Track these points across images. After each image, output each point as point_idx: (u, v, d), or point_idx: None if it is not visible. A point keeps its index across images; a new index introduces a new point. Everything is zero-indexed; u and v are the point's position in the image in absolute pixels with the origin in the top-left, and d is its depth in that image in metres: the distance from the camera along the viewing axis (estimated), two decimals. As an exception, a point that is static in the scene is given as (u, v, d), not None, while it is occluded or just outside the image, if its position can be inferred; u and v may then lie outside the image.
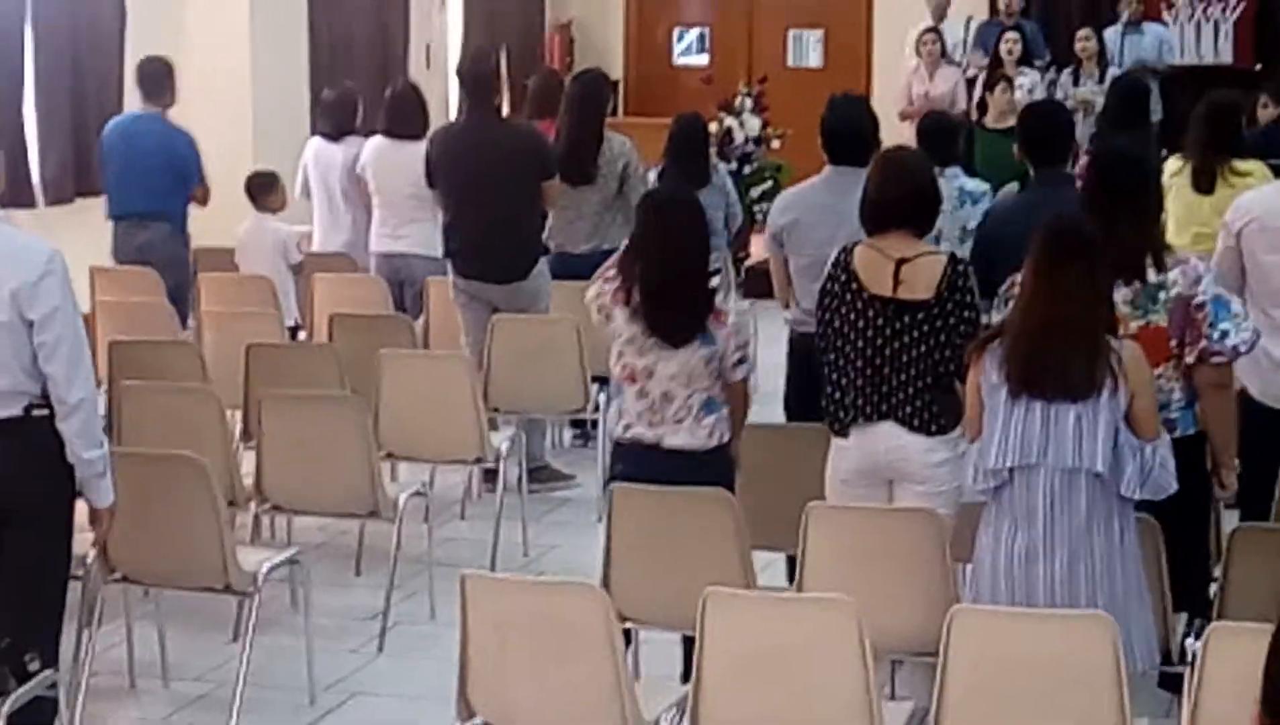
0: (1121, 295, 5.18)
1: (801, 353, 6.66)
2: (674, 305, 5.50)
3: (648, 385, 5.53)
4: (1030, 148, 6.66)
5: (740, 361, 5.59)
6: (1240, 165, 7.61)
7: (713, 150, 11.69)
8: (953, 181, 7.94)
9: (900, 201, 5.49)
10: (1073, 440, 4.66)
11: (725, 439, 5.60)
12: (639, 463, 5.55)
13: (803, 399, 6.60)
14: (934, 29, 13.87)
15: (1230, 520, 5.77)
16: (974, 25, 14.66)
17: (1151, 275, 5.30)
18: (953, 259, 5.51)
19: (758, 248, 11.84)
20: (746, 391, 5.78)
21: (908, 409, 5.39)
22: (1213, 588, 5.26)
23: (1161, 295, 5.29)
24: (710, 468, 5.50)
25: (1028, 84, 12.79)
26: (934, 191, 5.65)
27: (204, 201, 9.44)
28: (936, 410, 5.32)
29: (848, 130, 6.67)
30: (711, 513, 5.30)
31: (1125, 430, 4.71)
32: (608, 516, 5.38)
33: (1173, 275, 5.31)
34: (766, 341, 7.65)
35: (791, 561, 5.92)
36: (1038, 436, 4.69)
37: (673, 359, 5.49)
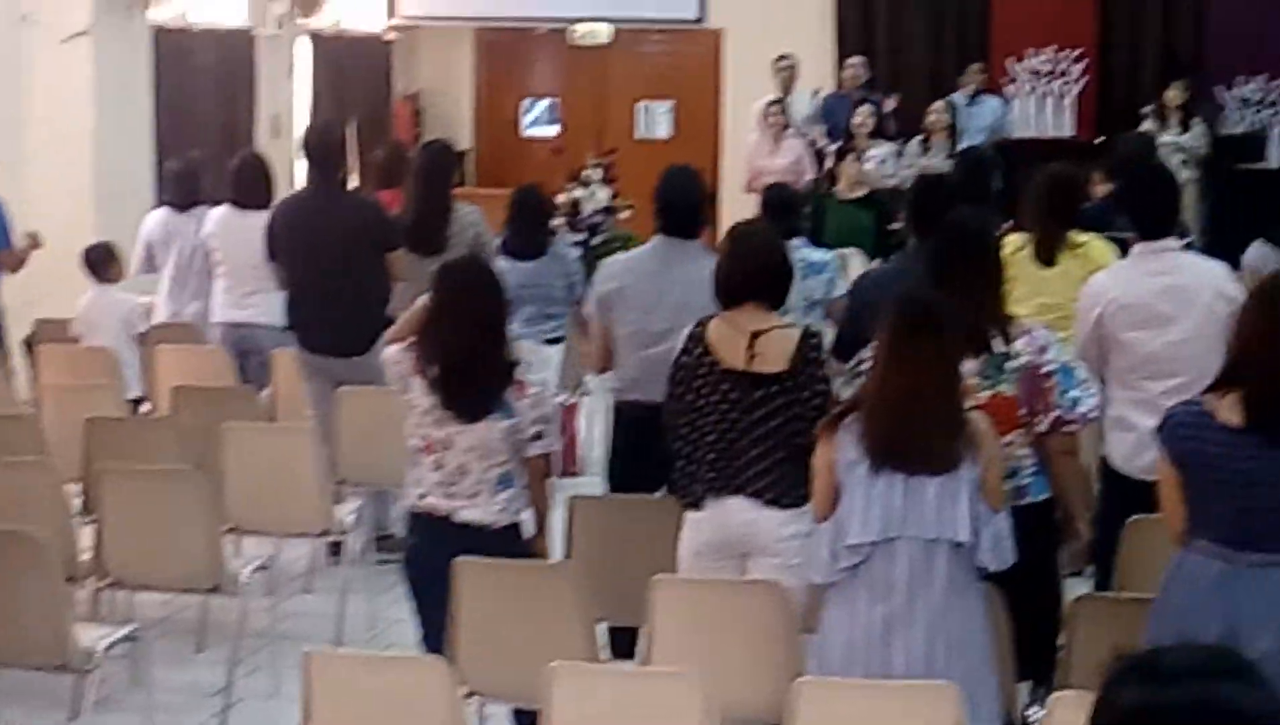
0: (969, 366, 5.23)
1: (626, 420, 6.72)
2: (471, 379, 5.45)
3: (444, 457, 5.48)
4: (914, 217, 6.77)
5: (539, 436, 5.52)
6: (1080, 238, 7.73)
7: (562, 220, 11.75)
8: (796, 253, 8.00)
9: (752, 275, 5.56)
10: (934, 512, 4.70)
11: (520, 516, 5.54)
12: (431, 535, 5.52)
13: (627, 468, 6.65)
14: (779, 101, 13.99)
15: (1077, 589, 5.87)
16: (820, 98, 14.83)
17: (998, 345, 5.37)
18: (806, 332, 5.57)
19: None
20: (547, 466, 5.71)
21: (761, 483, 5.41)
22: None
23: (1008, 365, 5.36)
24: (501, 545, 5.43)
25: (880, 155, 12.97)
26: (785, 265, 5.72)
27: (15, 268, 9.32)
28: (790, 484, 5.31)
29: (677, 202, 6.75)
30: (555, 585, 5.30)
31: (980, 500, 4.76)
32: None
33: (1018, 345, 5.39)
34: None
35: (617, 633, 5.94)
36: (899, 510, 4.71)
37: (470, 431, 5.43)
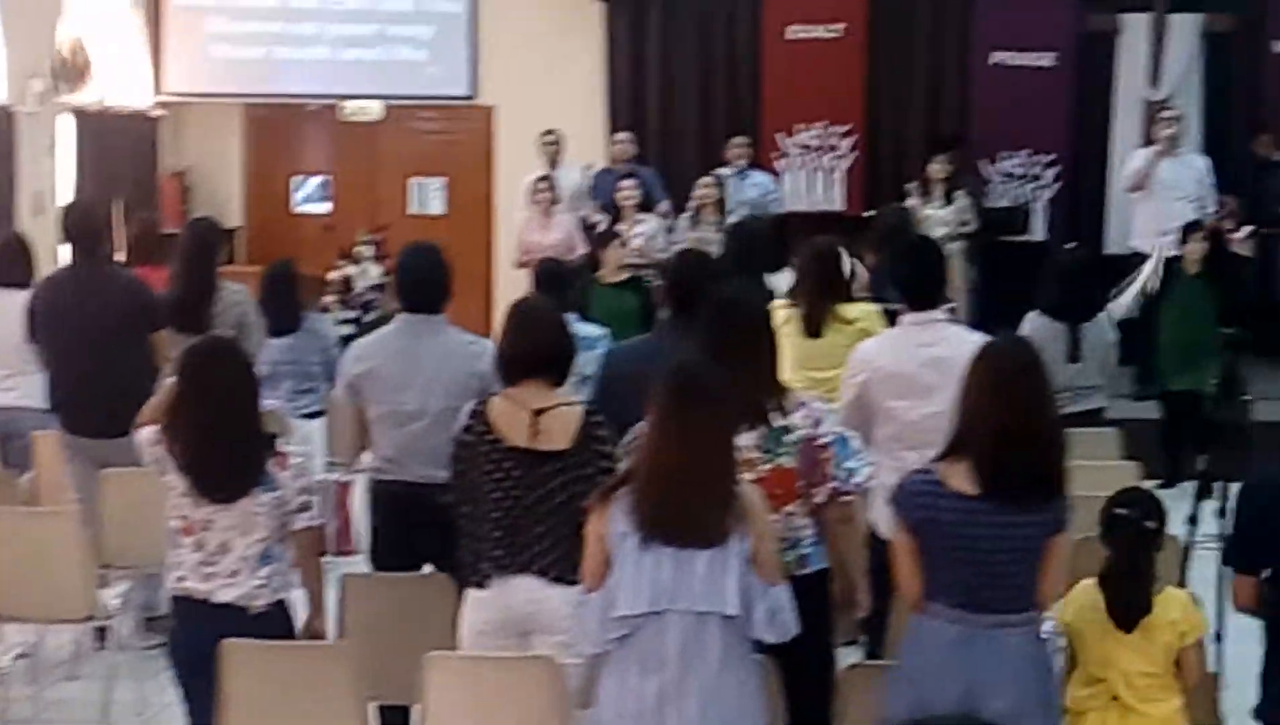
0: (747, 439, 5.30)
1: (384, 501, 6.68)
2: (223, 458, 5.38)
3: (205, 537, 5.41)
4: (672, 291, 6.83)
5: (304, 508, 5.48)
6: (847, 310, 7.85)
7: (334, 297, 11.68)
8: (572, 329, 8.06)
9: (535, 352, 5.60)
10: (704, 585, 4.71)
11: (285, 593, 5.48)
12: (192, 618, 5.45)
13: (388, 548, 6.62)
14: (547, 177, 14.04)
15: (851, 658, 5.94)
16: (590, 173, 14.92)
17: (775, 418, 5.43)
18: (588, 408, 5.62)
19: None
20: (320, 541, 5.68)
21: (548, 560, 5.45)
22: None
23: (786, 438, 5.43)
24: (263, 625, 5.37)
25: (647, 230, 13.05)
26: (568, 342, 5.76)
27: None
28: (578, 561, 5.24)
29: (419, 279, 6.78)
30: (325, 666, 5.24)
31: (752, 573, 4.78)
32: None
33: (796, 417, 5.46)
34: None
35: (390, 712, 5.89)
36: (669, 582, 4.72)
37: (230, 510, 5.36)
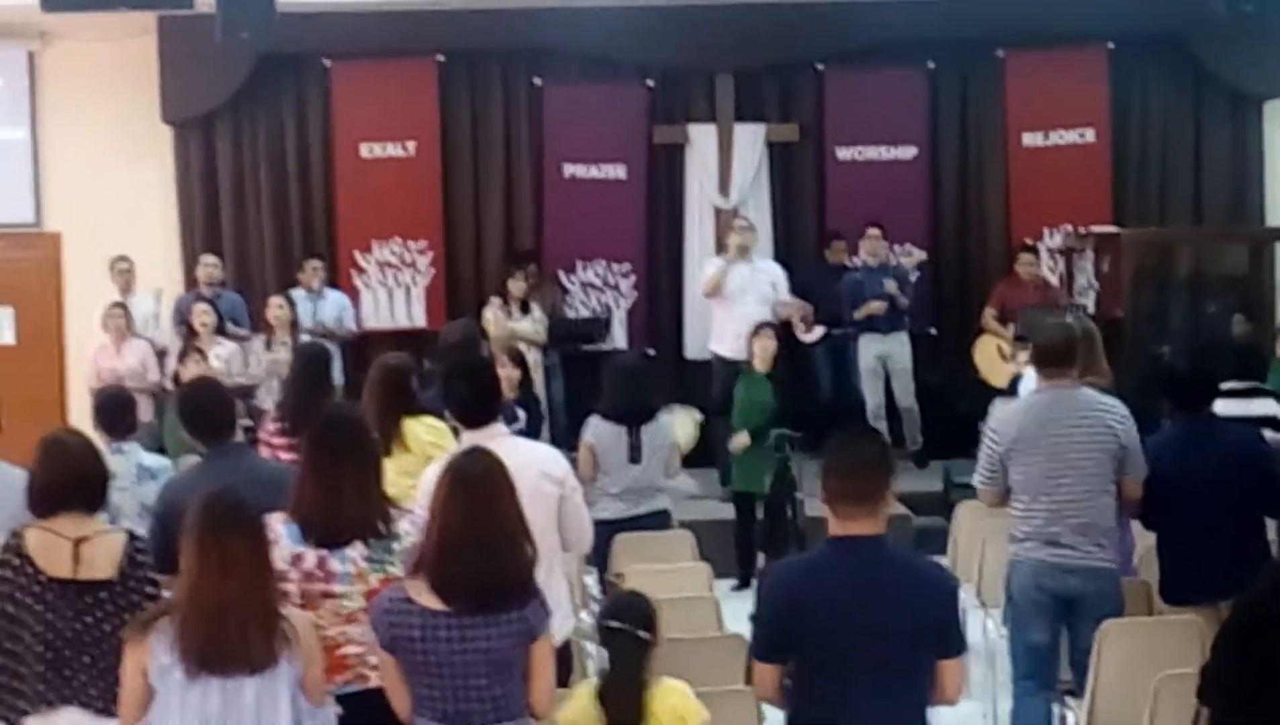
0: (354, 552, 5.34)
1: None
2: None
3: None
4: (194, 422, 6.86)
5: None
6: (416, 429, 7.88)
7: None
8: (131, 457, 7.99)
9: (68, 483, 5.53)
10: (253, 713, 4.73)
11: None
12: None
13: None
14: (121, 303, 13.89)
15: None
16: (166, 298, 14.76)
17: (381, 529, 5.46)
18: (131, 536, 5.56)
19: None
20: None
21: (94, 691, 5.36)
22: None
23: (395, 546, 5.45)
24: None
25: (224, 353, 12.98)
26: (98, 469, 5.69)
27: None
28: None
29: None
30: None
31: (301, 696, 4.82)
32: None
33: (403, 525, 5.50)
34: None
35: None
36: (216, 714, 4.72)
37: None
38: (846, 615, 4.96)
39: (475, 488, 5.08)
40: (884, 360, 14.48)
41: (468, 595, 4.92)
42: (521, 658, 4.99)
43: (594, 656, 7.98)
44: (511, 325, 14.05)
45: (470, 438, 6.73)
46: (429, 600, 4.93)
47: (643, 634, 5.35)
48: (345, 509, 5.34)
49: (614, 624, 5.34)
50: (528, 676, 5.02)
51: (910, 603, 5.02)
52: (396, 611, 4.97)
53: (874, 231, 14.75)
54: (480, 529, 4.97)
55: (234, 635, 4.74)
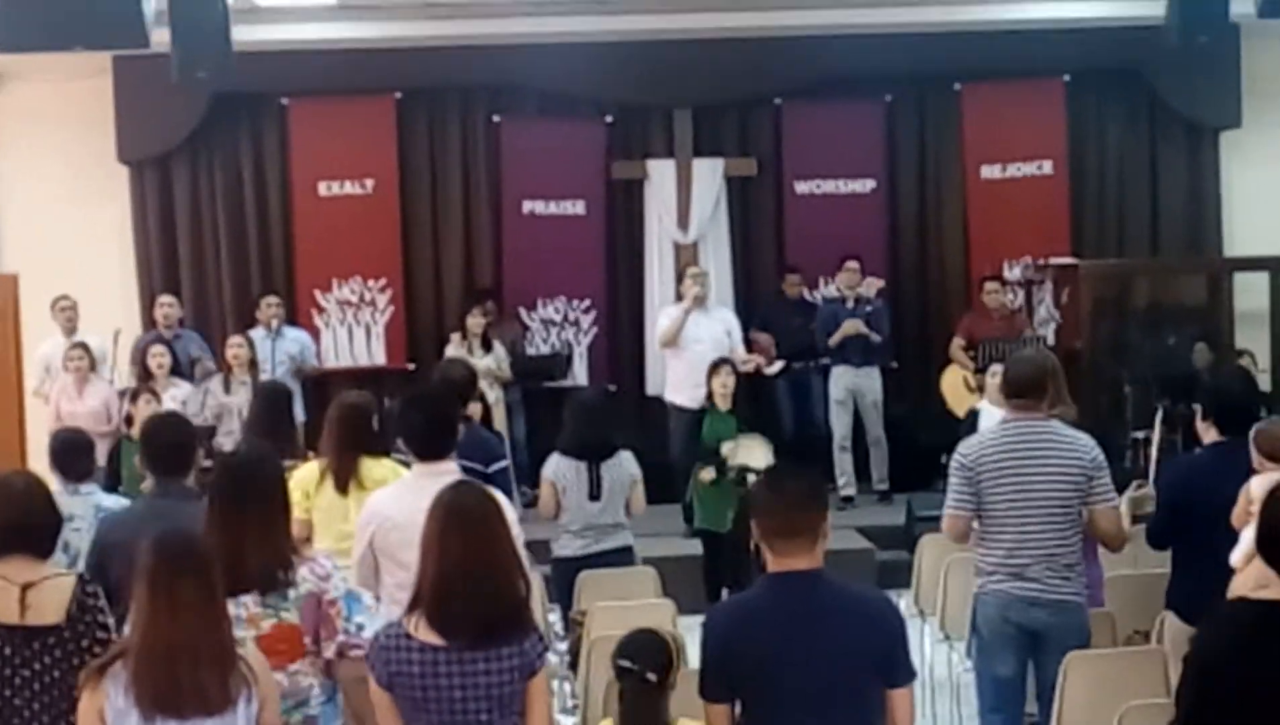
0: (250, 598, 5.31)
1: None
2: None
3: None
4: (152, 460, 6.78)
5: None
6: (373, 468, 7.84)
7: None
8: (90, 499, 7.92)
9: (9, 526, 5.47)
10: None
11: None
12: None
13: None
14: (81, 344, 13.79)
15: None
16: (122, 338, 14.68)
17: (280, 575, 5.42)
18: (81, 579, 5.51)
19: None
20: None
21: (39, 737, 5.27)
22: None
23: (291, 593, 5.42)
24: None
25: (181, 394, 12.97)
26: (48, 513, 5.64)
27: None
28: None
29: None
30: None
31: None
32: None
33: (303, 572, 5.47)
34: None
35: None
36: None
37: None
38: (785, 650, 4.94)
39: (470, 521, 5.07)
40: (855, 393, 14.60)
41: (467, 630, 4.91)
42: (519, 691, 4.98)
43: (556, 694, 7.94)
44: (473, 362, 13.98)
45: (420, 470, 6.70)
46: (427, 635, 4.92)
47: (650, 676, 5.31)
48: (247, 559, 5.29)
49: (623, 664, 5.30)
50: (524, 711, 5.00)
51: (852, 633, 5.00)
52: (395, 648, 4.96)
53: (851, 265, 14.88)
54: (477, 562, 4.96)
55: (187, 678, 4.68)
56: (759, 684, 5.00)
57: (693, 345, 13.92)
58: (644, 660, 5.37)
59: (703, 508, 10.98)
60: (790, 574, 5.00)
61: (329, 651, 5.48)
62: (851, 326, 14.42)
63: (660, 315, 14.74)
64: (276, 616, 5.40)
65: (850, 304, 14.71)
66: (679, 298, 14.41)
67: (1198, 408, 7.86)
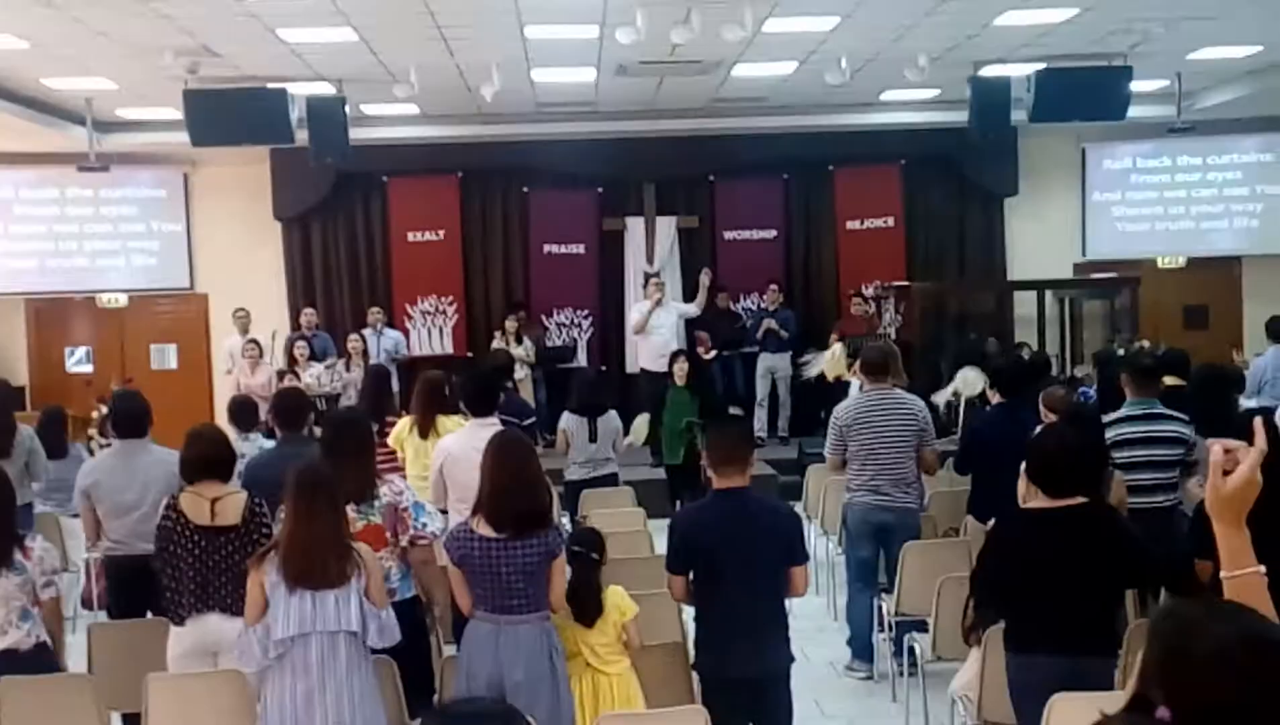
0: (351, 508, 5.21)
1: (115, 569, 6.40)
2: None
3: None
4: (280, 416, 6.74)
5: (48, 584, 5.08)
6: (446, 422, 7.80)
7: (96, 431, 11.12)
8: (255, 442, 7.91)
9: (203, 459, 5.45)
10: (335, 613, 4.64)
11: (42, 639, 5.10)
12: None
13: (119, 603, 6.39)
14: (254, 340, 13.72)
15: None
16: (277, 336, 14.60)
17: (369, 493, 5.38)
18: (250, 494, 5.46)
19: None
20: (57, 605, 5.21)
21: (229, 601, 5.26)
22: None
23: (376, 503, 5.38)
24: (32, 661, 5.05)
25: (316, 371, 12.93)
26: (228, 451, 5.61)
27: None
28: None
29: (129, 414, 6.50)
30: (77, 689, 4.98)
31: (367, 602, 4.73)
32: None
33: (383, 490, 5.43)
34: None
35: (127, 718, 5.57)
36: (310, 613, 4.64)
37: None
38: (726, 541, 4.92)
39: (513, 451, 5.00)
40: (771, 370, 14.66)
41: (510, 525, 4.84)
42: (544, 569, 4.92)
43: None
44: (511, 351, 13.93)
45: (474, 423, 6.68)
46: (485, 530, 4.87)
47: (594, 556, 5.28)
48: (346, 482, 5.18)
49: (576, 549, 5.26)
50: (547, 582, 4.94)
51: (768, 529, 4.98)
52: (462, 538, 4.92)
53: (774, 287, 14.99)
54: (517, 481, 4.89)
55: (318, 562, 4.67)
56: (707, 561, 4.98)
57: (656, 329, 13.99)
58: (587, 545, 5.31)
59: (667, 448, 10.93)
60: (729, 490, 4.97)
61: (404, 541, 5.44)
62: (770, 323, 14.49)
63: (632, 311, 14.69)
64: (366, 519, 5.35)
65: (770, 310, 14.73)
66: (647, 298, 14.42)
67: (987, 380, 7.87)
